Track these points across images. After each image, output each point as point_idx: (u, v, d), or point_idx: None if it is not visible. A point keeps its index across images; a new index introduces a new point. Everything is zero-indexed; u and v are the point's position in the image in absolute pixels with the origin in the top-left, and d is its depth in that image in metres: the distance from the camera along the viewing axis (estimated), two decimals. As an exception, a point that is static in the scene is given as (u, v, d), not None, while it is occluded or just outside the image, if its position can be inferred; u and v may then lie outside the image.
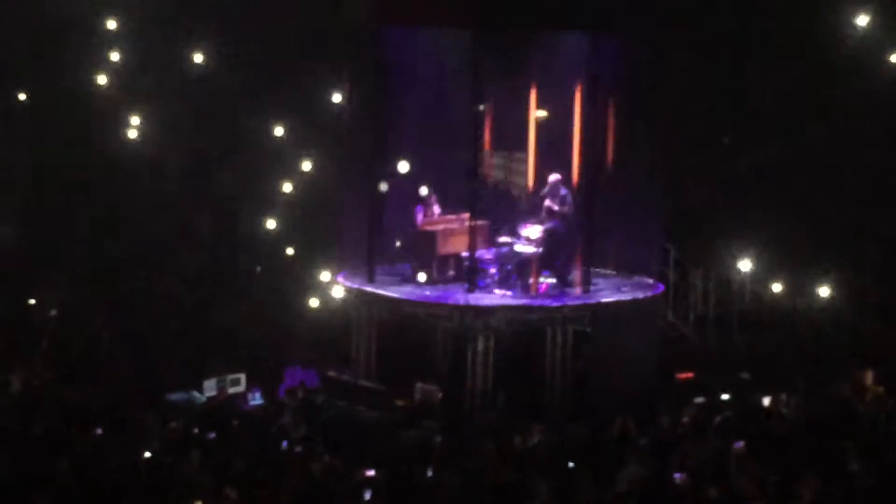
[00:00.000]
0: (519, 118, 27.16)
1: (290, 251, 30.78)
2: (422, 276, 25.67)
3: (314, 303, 28.36)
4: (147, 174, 31.20)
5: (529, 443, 21.03)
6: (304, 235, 30.57)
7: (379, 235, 26.55)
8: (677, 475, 18.63)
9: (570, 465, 19.37)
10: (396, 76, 26.41)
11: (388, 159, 26.70)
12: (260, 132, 31.54)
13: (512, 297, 25.27)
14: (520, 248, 25.73)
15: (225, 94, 31.28)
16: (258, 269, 30.14)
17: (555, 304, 25.04)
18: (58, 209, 30.58)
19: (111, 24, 31.69)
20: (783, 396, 22.93)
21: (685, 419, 21.94)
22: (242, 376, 24.78)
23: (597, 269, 26.11)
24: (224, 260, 30.86)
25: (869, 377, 24.02)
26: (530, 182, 26.82)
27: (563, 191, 25.82)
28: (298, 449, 20.27)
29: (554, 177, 25.94)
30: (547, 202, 25.78)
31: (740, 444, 19.45)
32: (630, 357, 24.84)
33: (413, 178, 26.87)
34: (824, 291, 27.82)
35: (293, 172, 31.31)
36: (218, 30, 31.49)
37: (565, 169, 26.22)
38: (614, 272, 26.78)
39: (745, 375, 24.99)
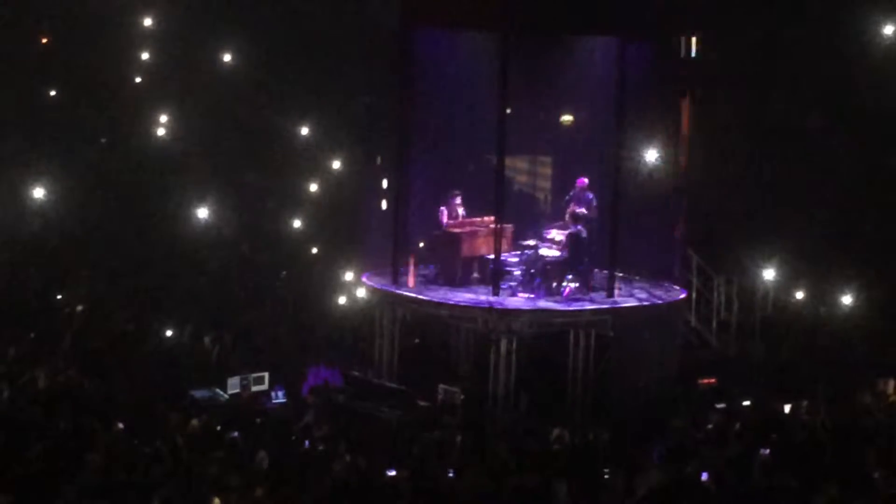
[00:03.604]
0: (545, 122, 27.30)
1: (314, 250, 30.89)
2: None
3: (338, 302, 28.45)
4: (175, 171, 31.36)
5: (550, 445, 21.12)
6: (329, 235, 30.68)
7: (403, 236, 26.62)
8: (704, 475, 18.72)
9: (591, 467, 19.45)
10: (423, 78, 26.46)
11: (413, 160, 26.76)
12: (287, 132, 31.72)
13: (535, 300, 25.32)
14: (544, 251, 25.79)
15: (253, 93, 31.46)
16: (283, 273, 30.19)
17: (577, 307, 25.08)
18: (85, 205, 30.73)
19: (143, 23, 31.93)
20: (804, 404, 22.95)
21: (708, 425, 22.00)
22: (266, 374, 24.83)
23: (620, 274, 26.15)
24: (249, 258, 30.97)
25: (891, 386, 24.05)
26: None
27: (588, 195, 25.88)
28: (321, 448, 20.35)
29: (581, 181, 25.99)
30: (572, 206, 25.84)
31: (766, 450, 19.47)
32: (651, 361, 24.86)
33: (437, 180, 26.94)
34: (847, 300, 27.81)
35: (319, 172, 31.45)
36: (247, 30, 31.67)
37: (589, 173, 26.27)
38: (638, 277, 26.81)
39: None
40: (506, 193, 26.12)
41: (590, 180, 26.12)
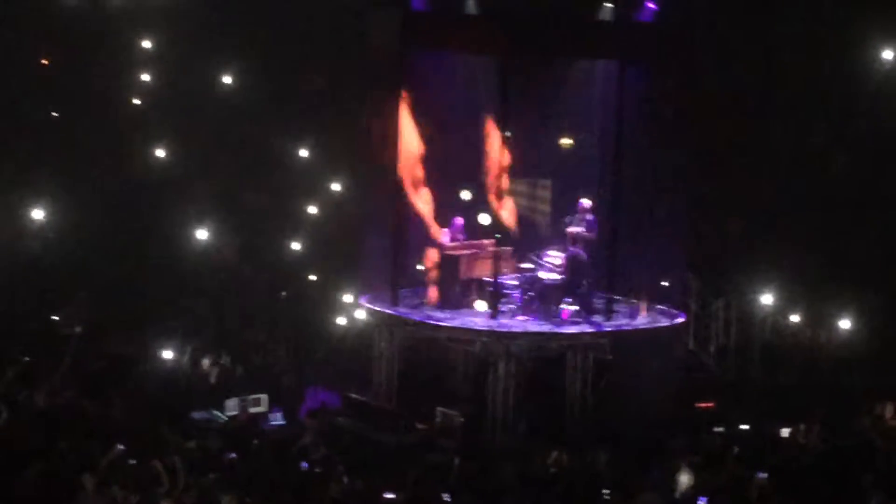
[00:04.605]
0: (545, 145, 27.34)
1: (313, 273, 30.85)
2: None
3: (337, 324, 28.43)
4: (174, 192, 31.33)
5: (548, 468, 21.10)
6: (328, 257, 30.64)
7: (403, 258, 26.63)
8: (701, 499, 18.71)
9: (589, 490, 19.44)
10: (422, 100, 26.47)
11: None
12: (286, 154, 31.71)
13: (534, 322, 25.31)
14: (543, 274, 25.79)
15: (252, 115, 31.45)
16: (283, 293, 30.18)
17: (576, 330, 25.07)
18: (83, 226, 30.70)
19: (142, 45, 31.93)
20: (803, 428, 22.94)
21: (706, 448, 22.00)
22: (264, 396, 24.83)
23: (618, 297, 26.13)
24: (249, 279, 30.93)
25: (889, 410, 24.03)
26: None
27: (589, 217, 25.88)
28: (318, 470, 20.33)
29: (583, 202, 25.99)
30: (572, 228, 25.84)
31: (763, 475, 19.46)
32: (650, 385, 24.85)
33: (436, 202, 26.95)
34: (845, 324, 27.79)
35: (318, 194, 31.43)
36: (246, 52, 31.68)
37: (589, 196, 26.26)
38: (636, 300, 26.78)
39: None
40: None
41: (590, 202, 26.15)
